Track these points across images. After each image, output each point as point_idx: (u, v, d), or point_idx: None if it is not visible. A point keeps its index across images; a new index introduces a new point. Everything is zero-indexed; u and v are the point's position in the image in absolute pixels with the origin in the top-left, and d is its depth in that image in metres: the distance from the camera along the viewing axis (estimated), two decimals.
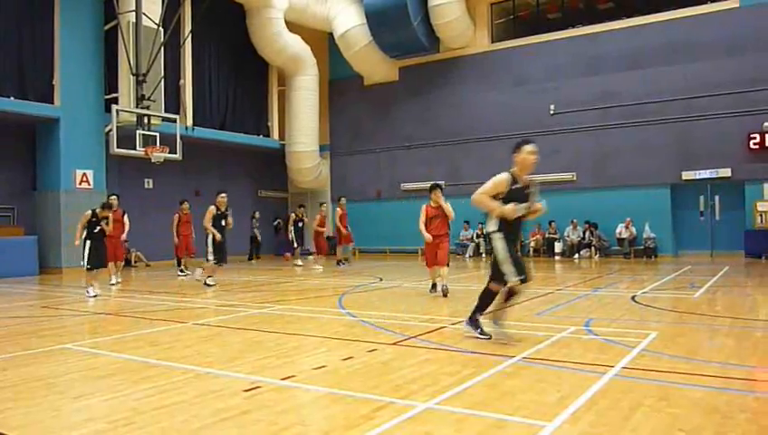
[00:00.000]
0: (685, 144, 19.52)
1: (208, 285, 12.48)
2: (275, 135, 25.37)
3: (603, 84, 20.82)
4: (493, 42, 23.30)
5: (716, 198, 19.69)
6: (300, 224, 19.40)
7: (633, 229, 19.96)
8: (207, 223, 12.20)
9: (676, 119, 19.67)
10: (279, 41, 23.27)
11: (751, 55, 18.65)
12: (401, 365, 5.21)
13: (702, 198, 19.86)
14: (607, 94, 20.74)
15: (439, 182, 11.03)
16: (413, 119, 24.52)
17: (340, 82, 26.36)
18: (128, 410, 4.02)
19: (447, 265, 10.33)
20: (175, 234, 15.59)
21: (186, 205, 15.81)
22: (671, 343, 5.97)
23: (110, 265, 13.04)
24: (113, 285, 13.20)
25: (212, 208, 12.31)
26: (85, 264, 11.46)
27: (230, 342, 6.56)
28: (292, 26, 23.71)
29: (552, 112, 21.52)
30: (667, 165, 19.80)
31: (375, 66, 24.65)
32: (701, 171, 19.35)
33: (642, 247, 19.74)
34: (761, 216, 18.60)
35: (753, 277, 13.15)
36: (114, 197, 13.83)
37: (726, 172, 18.96)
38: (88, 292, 11.23)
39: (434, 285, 10.53)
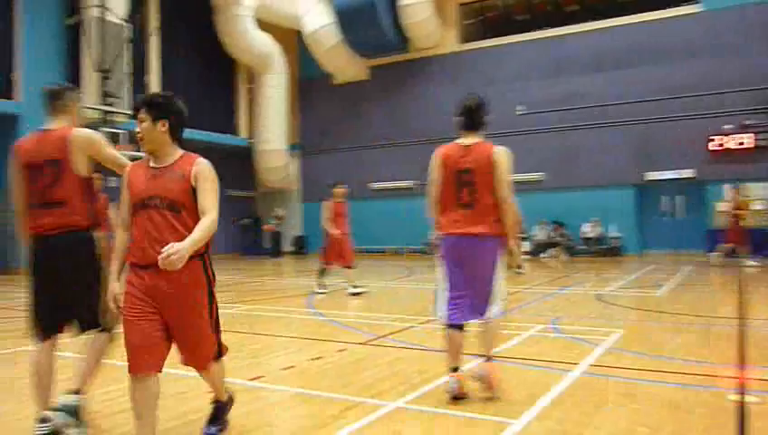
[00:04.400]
0: (647, 145, 19.88)
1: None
2: (243, 133, 25.13)
3: (569, 85, 21.09)
4: (462, 42, 23.45)
5: (679, 198, 20.13)
6: None
7: (600, 229, 20.30)
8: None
9: (639, 120, 20.03)
10: (247, 38, 23.04)
11: (712, 59, 19.09)
12: (371, 365, 5.22)
13: (665, 198, 20.29)
14: (573, 95, 21.00)
15: None
16: (383, 118, 24.52)
17: (309, 80, 26.22)
18: (92, 412, 3.94)
19: None
20: (331, 229, 10.58)
21: (341, 188, 10.92)
22: (635, 341, 6.10)
23: None
24: None
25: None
26: None
27: None
28: (261, 24, 23.49)
29: (519, 113, 21.72)
30: (631, 166, 20.15)
31: (345, 65, 24.59)
32: (664, 172, 19.75)
33: (608, 247, 20.07)
34: (720, 216, 19.06)
35: (714, 276, 13.48)
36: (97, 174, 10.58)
37: (689, 173, 19.37)
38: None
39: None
